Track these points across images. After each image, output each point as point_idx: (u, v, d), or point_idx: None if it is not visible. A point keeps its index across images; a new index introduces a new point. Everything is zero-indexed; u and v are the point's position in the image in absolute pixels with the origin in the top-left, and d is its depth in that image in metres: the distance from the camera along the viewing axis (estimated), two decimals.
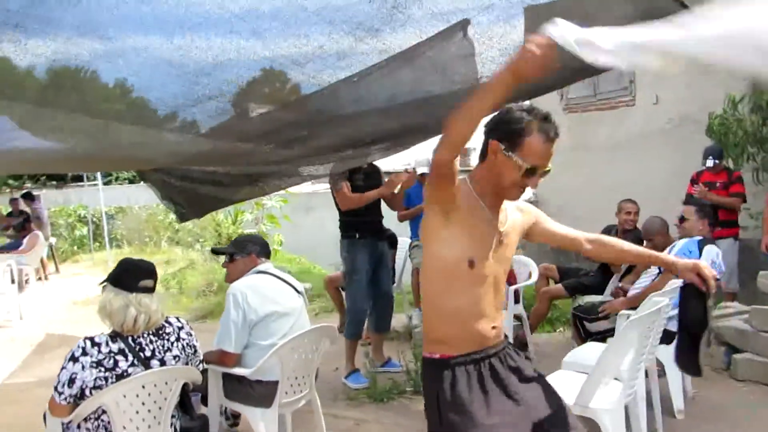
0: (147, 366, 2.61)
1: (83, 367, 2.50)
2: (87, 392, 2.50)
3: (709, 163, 5.66)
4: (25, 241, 10.81)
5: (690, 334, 2.09)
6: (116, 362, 2.55)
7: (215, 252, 3.75)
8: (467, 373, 1.95)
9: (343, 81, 3.38)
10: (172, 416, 2.80)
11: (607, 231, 4.90)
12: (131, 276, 2.68)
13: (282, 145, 4.05)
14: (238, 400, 3.20)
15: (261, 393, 3.13)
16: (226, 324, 3.15)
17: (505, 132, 1.89)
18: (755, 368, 4.43)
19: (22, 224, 11.43)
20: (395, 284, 6.51)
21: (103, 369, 2.52)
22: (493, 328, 2.02)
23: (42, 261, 11.57)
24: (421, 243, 2.25)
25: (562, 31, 1.58)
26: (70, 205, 16.45)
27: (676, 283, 3.87)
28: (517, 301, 5.01)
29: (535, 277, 5.23)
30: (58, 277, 12.63)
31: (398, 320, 6.38)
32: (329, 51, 2.98)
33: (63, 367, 2.53)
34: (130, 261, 2.84)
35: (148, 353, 2.64)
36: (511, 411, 1.93)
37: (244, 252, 3.44)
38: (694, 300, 2.03)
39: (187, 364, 2.78)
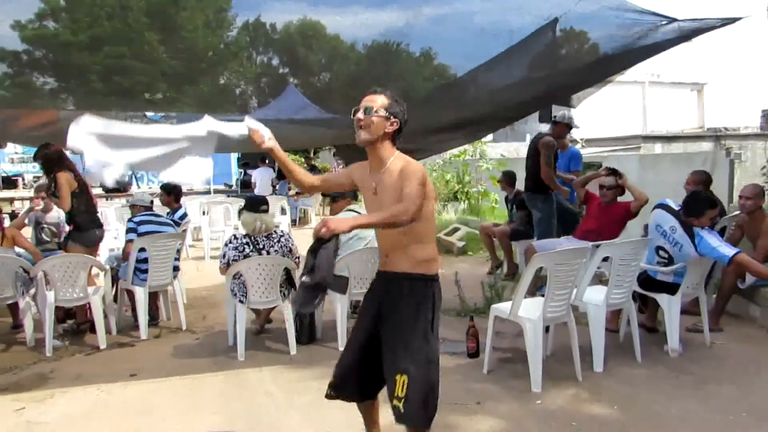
0: (260, 253, 4.79)
1: (229, 249, 4.79)
2: (230, 262, 4.77)
3: None
4: None
5: None
6: (244, 248, 4.79)
7: (324, 195, 5.76)
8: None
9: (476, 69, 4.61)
10: (281, 287, 4.93)
11: None
12: (256, 204, 4.89)
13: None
14: (329, 287, 5.17)
15: (340, 283, 5.05)
16: None
17: None
18: None
19: None
20: None
21: (237, 251, 4.78)
22: (386, 256, 2.82)
23: (322, 204, 15.15)
24: None
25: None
26: None
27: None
28: None
29: None
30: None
31: None
32: None
33: (222, 248, 4.84)
34: (255, 196, 5.05)
35: (261, 246, 4.82)
36: (367, 315, 2.87)
37: (344, 195, 5.39)
38: None
39: (284, 256, 4.87)
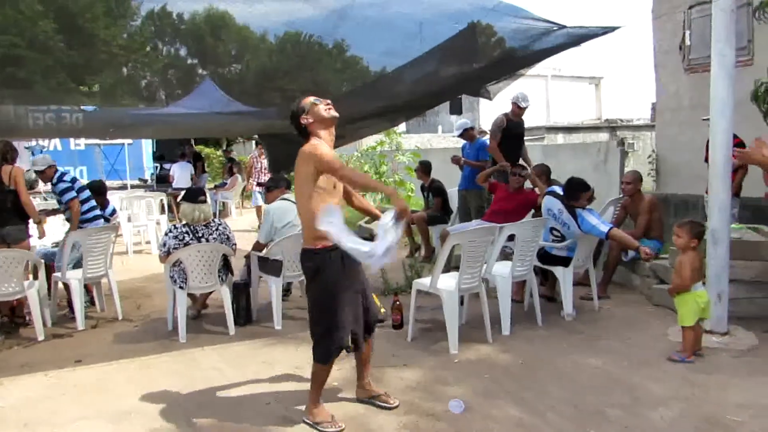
0: (199, 241, 5.12)
1: (169, 238, 5.09)
2: (170, 250, 5.08)
3: None
4: (229, 181, 14.43)
5: None
6: (184, 237, 5.11)
7: (259, 184, 6.15)
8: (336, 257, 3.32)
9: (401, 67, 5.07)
10: (219, 272, 5.28)
11: None
12: (195, 195, 5.21)
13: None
14: (264, 271, 5.56)
15: (274, 267, 5.46)
16: (263, 226, 5.58)
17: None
18: (666, 296, 5.58)
19: (229, 169, 15.09)
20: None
21: (177, 239, 5.09)
22: None
23: (242, 197, 15.26)
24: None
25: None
26: None
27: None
28: None
29: None
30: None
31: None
32: None
33: (162, 237, 5.13)
34: (193, 188, 5.37)
35: (200, 234, 5.16)
36: (352, 277, 3.42)
37: (278, 185, 5.79)
38: None
39: (222, 243, 5.23)
